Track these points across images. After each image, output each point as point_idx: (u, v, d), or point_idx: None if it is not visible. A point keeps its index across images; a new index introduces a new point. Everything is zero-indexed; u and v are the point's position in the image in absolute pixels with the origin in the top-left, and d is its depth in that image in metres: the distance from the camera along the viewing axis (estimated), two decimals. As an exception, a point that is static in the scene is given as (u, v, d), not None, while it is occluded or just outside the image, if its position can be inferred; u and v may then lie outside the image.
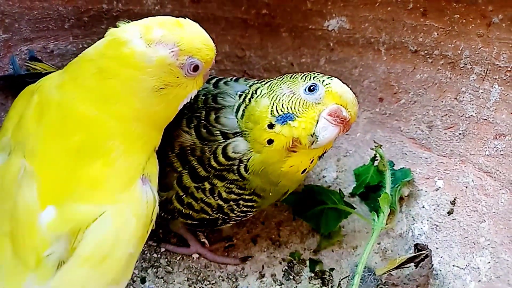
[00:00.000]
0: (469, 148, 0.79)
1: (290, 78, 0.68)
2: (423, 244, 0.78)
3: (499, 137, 0.76)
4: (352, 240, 0.85)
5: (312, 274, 0.83)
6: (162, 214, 0.73)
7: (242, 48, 0.92)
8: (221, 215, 0.73)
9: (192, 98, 0.62)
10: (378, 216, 0.76)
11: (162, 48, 0.54)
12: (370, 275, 0.75)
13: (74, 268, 0.52)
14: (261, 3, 0.87)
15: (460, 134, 0.80)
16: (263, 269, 0.83)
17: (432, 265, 0.76)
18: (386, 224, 0.77)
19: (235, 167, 0.66)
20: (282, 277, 0.82)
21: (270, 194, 0.69)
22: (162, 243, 0.84)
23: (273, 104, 0.64)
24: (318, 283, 0.82)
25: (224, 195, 0.69)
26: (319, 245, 0.85)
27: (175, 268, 0.82)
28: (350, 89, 0.66)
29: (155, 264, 0.82)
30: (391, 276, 0.76)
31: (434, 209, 0.81)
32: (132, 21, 0.57)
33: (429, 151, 0.84)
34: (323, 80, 0.64)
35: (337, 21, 0.86)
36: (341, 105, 0.63)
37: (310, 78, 0.65)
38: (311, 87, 0.64)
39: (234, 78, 0.74)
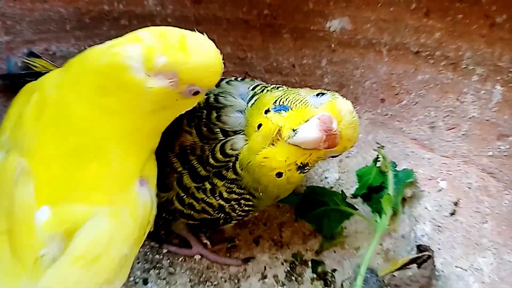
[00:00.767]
0: (471, 149, 0.79)
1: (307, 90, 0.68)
2: (425, 245, 0.78)
3: (502, 138, 0.76)
4: (354, 241, 0.85)
5: (314, 275, 0.83)
6: (164, 215, 0.73)
7: (244, 49, 0.92)
8: (222, 215, 0.72)
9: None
10: (380, 217, 0.76)
11: (162, 79, 0.52)
12: (373, 276, 0.75)
13: (65, 267, 0.52)
14: (262, 3, 0.87)
15: (462, 134, 0.80)
16: (265, 270, 0.83)
17: (435, 266, 0.76)
18: (389, 225, 0.77)
19: (231, 164, 0.66)
20: (284, 278, 0.82)
21: (261, 194, 0.69)
22: (164, 244, 0.84)
23: (281, 96, 0.64)
24: (320, 284, 0.81)
25: (225, 195, 0.69)
26: (321, 246, 0.85)
27: (177, 269, 0.82)
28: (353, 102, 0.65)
29: (157, 266, 0.82)
30: (394, 277, 0.76)
31: (436, 210, 0.81)
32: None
33: (432, 152, 0.84)
34: (334, 94, 0.64)
35: (339, 22, 0.86)
36: (336, 118, 0.61)
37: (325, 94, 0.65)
38: (320, 94, 0.64)
39: (237, 78, 0.74)
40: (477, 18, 0.74)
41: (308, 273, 0.83)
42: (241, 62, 0.93)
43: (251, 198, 0.70)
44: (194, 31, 0.57)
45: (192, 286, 0.80)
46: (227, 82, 0.72)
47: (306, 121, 0.60)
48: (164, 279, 0.80)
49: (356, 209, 0.84)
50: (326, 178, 0.92)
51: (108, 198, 0.55)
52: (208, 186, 0.69)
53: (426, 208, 0.83)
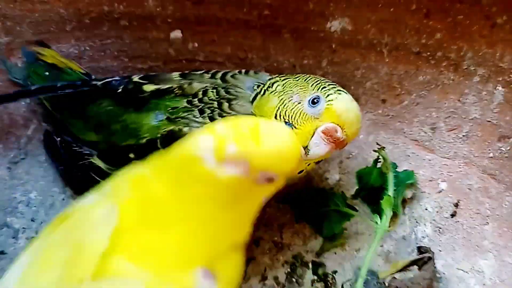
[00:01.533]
0: (472, 150, 0.79)
1: (304, 80, 0.69)
2: (426, 247, 0.78)
3: (503, 139, 0.75)
4: (355, 243, 0.85)
5: (315, 277, 0.82)
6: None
7: (244, 49, 0.92)
8: None
9: None
10: (381, 219, 0.76)
11: (233, 167, 0.51)
12: (373, 278, 0.75)
13: None
14: (263, 4, 0.87)
15: (463, 136, 0.80)
16: (265, 271, 0.83)
17: (436, 268, 0.76)
18: (389, 226, 0.76)
19: None
20: (285, 280, 0.82)
21: None
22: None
23: (279, 108, 0.66)
24: (321, 286, 0.81)
25: None
26: (322, 248, 0.85)
27: (177, 270, 0.82)
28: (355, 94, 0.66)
29: (157, 267, 0.82)
30: (395, 279, 0.75)
31: (437, 212, 0.81)
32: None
33: (433, 153, 0.84)
34: (328, 95, 0.65)
35: (339, 22, 0.86)
36: (338, 125, 0.64)
37: (318, 89, 0.66)
38: (315, 100, 0.65)
39: (240, 71, 0.75)
40: (478, 19, 0.74)
41: (309, 275, 0.83)
42: (242, 62, 0.93)
43: None
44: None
45: (192, 287, 0.80)
46: (232, 76, 0.74)
47: (312, 135, 0.64)
48: (164, 280, 0.80)
49: (356, 210, 0.83)
50: (326, 179, 0.91)
51: (157, 268, 0.53)
52: None
53: (426, 209, 0.82)
